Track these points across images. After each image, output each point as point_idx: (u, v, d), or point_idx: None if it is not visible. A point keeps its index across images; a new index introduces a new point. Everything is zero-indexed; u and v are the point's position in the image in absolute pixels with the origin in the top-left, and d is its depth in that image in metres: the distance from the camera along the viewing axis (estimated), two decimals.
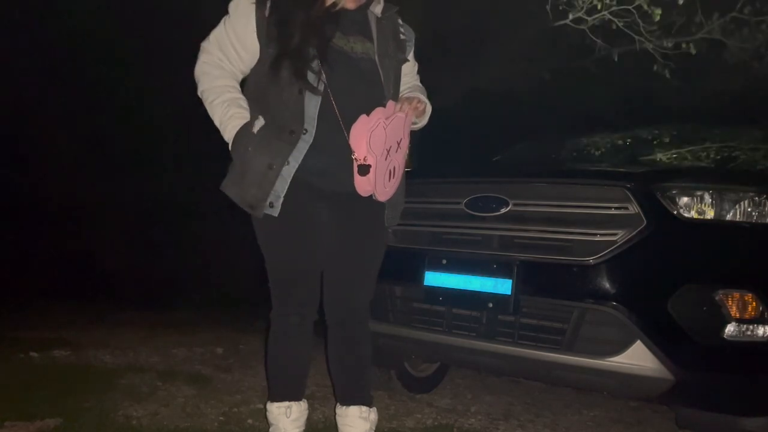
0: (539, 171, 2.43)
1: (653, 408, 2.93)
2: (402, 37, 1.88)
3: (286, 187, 1.70)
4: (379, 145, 1.67)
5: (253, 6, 1.70)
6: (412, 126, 1.84)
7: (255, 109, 1.74)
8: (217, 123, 1.75)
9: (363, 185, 1.70)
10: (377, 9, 1.83)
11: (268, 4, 1.69)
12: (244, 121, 1.72)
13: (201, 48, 1.78)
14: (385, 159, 1.70)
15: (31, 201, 7.02)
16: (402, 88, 1.91)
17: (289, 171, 1.69)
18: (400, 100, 1.79)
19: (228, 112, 1.72)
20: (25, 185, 6.97)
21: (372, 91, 1.76)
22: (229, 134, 1.73)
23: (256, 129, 1.70)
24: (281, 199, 1.70)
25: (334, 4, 1.73)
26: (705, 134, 3.21)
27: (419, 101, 1.80)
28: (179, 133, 7.17)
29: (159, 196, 7.19)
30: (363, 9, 1.80)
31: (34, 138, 7.11)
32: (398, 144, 1.73)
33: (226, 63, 1.75)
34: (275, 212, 1.70)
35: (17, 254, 6.52)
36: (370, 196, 1.76)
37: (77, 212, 7.10)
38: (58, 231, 6.94)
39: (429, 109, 1.90)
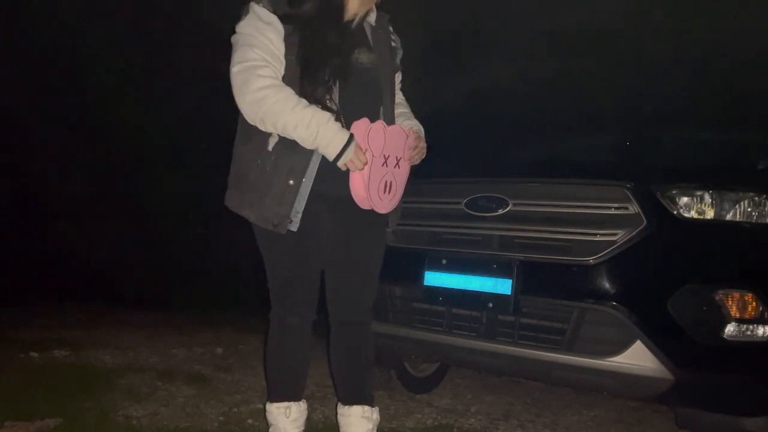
0: (539, 171, 2.43)
1: (653, 408, 2.93)
2: (393, 44, 1.90)
3: (304, 203, 1.70)
4: (377, 144, 1.69)
5: (275, 17, 1.66)
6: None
7: None
8: (306, 126, 1.60)
9: (358, 187, 1.71)
10: (371, 18, 1.84)
11: (282, 19, 1.67)
12: (335, 121, 1.64)
13: (243, 68, 1.62)
14: (382, 165, 1.72)
15: (31, 201, 7.02)
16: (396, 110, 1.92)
17: (306, 187, 1.70)
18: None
19: (322, 115, 1.62)
20: (25, 186, 6.97)
21: (373, 99, 1.80)
22: (339, 138, 1.62)
23: (271, 146, 1.69)
24: (300, 215, 1.71)
25: (351, 21, 1.74)
26: (705, 134, 3.21)
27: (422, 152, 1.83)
28: (180, 134, 7.17)
29: (159, 196, 7.19)
30: (361, 19, 1.81)
31: (34, 139, 7.11)
32: (397, 160, 1.75)
33: (280, 71, 1.65)
34: (294, 227, 1.71)
35: (17, 254, 6.51)
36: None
37: (77, 212, 7.09)
38: (58, 231, 6.94)
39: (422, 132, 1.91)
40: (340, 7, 1.72)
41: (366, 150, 1.67)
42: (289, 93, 1.63)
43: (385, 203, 1.77)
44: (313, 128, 1.61)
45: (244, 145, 1.75)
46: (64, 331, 3.83)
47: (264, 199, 1.69)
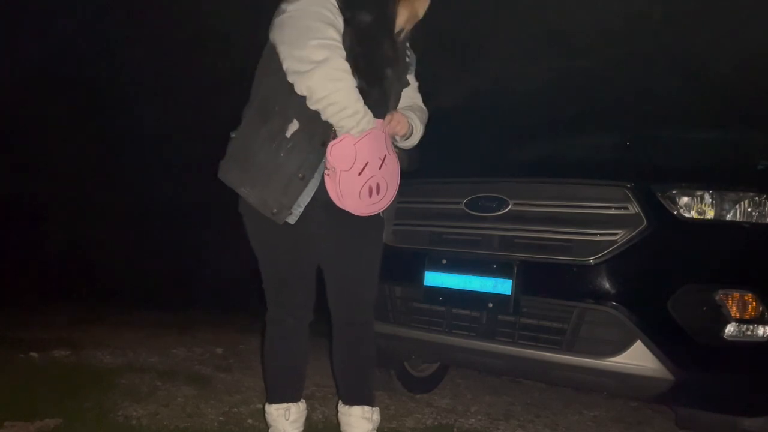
0: (539, 171, 2.43)
1: (653, 408, 2.93)
2: (407, 60, 1.91)
3: (308, 200, 1.71)
4: (345, 159, 1.68)
5: (338, 11, 1.67)
6: (401, 143, 1.86)
7: (286, 110, 1.70)
8: (352, 113, 1.65)
9: (332, 195, 1.71)
10: None
11: (342, 16, 1.68)
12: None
13: (326, 45, 1.61)
14: (359, 174, 1.70)
15: (31, 202, 7.02)
16: (402, 105, 1.91)
17: (314, 184, 1.71)
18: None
19: (371, 117, 1.70)
20: (25, 186, 6.97)
21: (383, 112, 1.77)
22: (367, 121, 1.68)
23: (289, 133, 1.69)
24: (301, 210, 1.71)
25: (399, 33, 1.78)
26: (705, 134, 3.21)
27: (399, 122, 1.78)
28: (179, 135, 7.17)
29: (159, 196, 7.19)
30: (406, 34, 1.84)
31: (34, 139, 7.11)
32: (382, 160, 1.74)
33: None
34: (293, 220, 1.71)
35: (17, 254, 6.51)
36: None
37: (77, 213, 7.09)
38: (57, 231, 6.94)
39: (416, 131, 1.87)
40: (393, 19, 1.75)
41: (332, 168, 1.67)
42: (354, 83, 1.66)
43: (372, 205, 1.76)
44: (362, 123, 1.66)
45: (259, 124, 1.73)
46: (64, 331, 3.83)
47: (269, 184, 1.69)
